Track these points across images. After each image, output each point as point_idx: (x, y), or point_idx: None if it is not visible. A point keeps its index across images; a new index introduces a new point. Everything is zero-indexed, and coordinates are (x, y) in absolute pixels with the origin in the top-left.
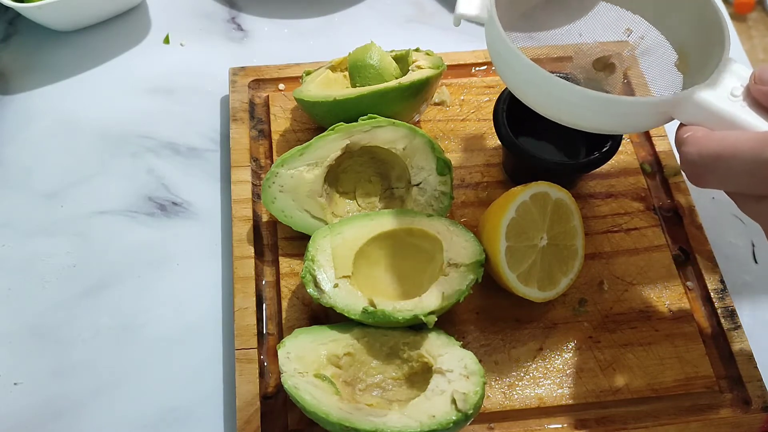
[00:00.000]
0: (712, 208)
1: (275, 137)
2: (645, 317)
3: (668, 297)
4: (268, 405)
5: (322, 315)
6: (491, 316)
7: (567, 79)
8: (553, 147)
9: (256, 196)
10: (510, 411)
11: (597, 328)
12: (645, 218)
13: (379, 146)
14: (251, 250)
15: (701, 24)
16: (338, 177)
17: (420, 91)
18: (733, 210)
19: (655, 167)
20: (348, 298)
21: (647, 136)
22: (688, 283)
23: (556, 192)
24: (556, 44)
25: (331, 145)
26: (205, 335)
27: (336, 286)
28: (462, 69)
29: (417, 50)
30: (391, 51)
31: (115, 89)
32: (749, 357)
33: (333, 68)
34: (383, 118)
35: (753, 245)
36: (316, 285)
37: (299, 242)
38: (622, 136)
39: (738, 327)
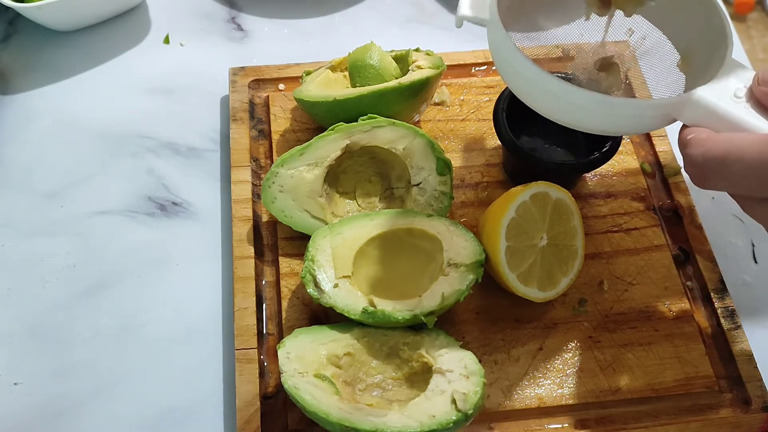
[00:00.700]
0: (712, 208)
1: (275, 137)
2: (645, 317)
3: (668, 297)
4: (268, 405)
5: (322, 315)
6: (491, 316)
7: (569, 79)
8: (553, 147)
9: (256, 196)
10: (510, 411)
11: (597, 328)
12: (645, 218)
13: (379, 146)
14: (251, 250)
15: (704, 25)
16: (338, 177)
17: (420, 91)
18: (733, 210)
19: (655, 167)
20: (348, 298)
21: (647, 136)
22: (688, 283)
23: (556, 192)
24: (557, 44)
25: (331, 145)
26: (205, 335)
27: (336, 286)
28: (462, 69)
29: (417, 50)
30: (391, 51)
31: (115, 89)
32: (749, 357)
33: (333, 68)
34: (383, 118)
35: (753, 245)
36: (316, 285)
37: (299, 242)
38: (622, 136)
39: (738, 327)
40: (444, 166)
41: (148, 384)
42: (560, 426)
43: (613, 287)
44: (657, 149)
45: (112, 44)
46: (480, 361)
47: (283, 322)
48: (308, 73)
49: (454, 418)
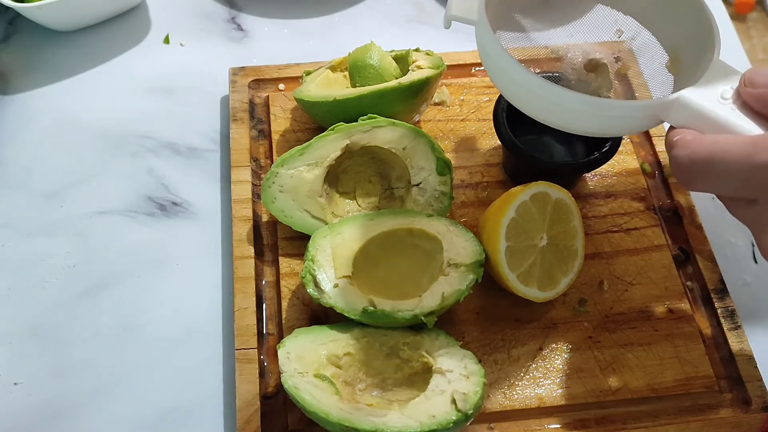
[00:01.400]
0: (712, 208)
1: (275, 137)
2: (645, 317)
3: (668, 297)
4: (268, 405)
5: (322, 315)
6: (491, 316)
7: (558, 80)
8: (553, 147)
9: (256, 196)
10: (510, 411)
11: (597, 328)
12: (645, 218)
13: (379, 146)
14: (251, 250)
15: (692, 26)
16: (338, 177)
17: (420, 91)
18: None
19: (655, 167)
20: (348, 298)
21: (647, 135)
22: (688, 283)
23: (556, 192)
24: (547, 45)
25: (331, 145)
26: (205, 335)
27: (336, 286)
28: (462, 69)
29: (417, 50)
30: (391, 51)
31: (115, 89)
32: (749, 357)
33: (333, 68)
34: (383, 118)
35: (753, 245)
36: (316, 285)
37: (299, 242)
38: (621, 136)
39: (738, 327)
40: (444, 166)
41: (148, 384)
42: (560, 426)
43: (613, 287)
44: (657, 149)
45: (112, 44)
46: (480, 361)
47: (283, 322)
48: (308, 73)
49: (454, 418)
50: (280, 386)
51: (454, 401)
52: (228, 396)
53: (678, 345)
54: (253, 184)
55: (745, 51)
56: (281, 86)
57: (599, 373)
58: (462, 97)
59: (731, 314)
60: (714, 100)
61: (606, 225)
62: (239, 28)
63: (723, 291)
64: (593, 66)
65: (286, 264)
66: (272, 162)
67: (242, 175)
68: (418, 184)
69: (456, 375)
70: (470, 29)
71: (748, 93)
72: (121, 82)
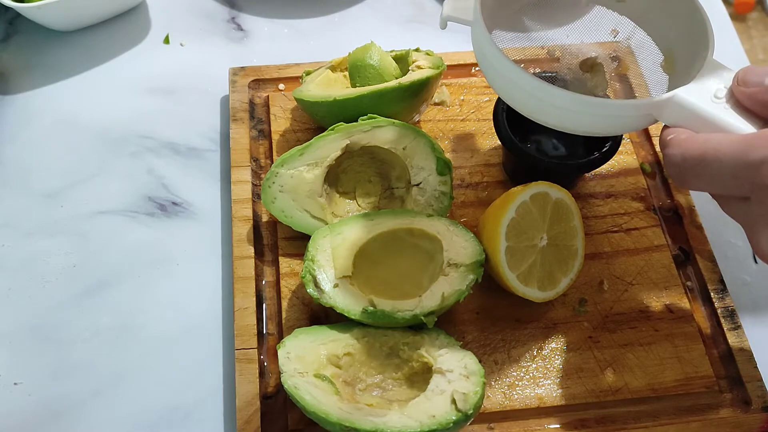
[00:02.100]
0: (712, 208)
1: (275, 137)
2: (645, 317)
3: (668, 297)
4: (268, 405)
5: (322, 315)
6: (491, 316)
7: (553, 80)
8: (553, 147)
9: (256, 196)
10: (510, 411)
11: (597, 328)
12: (645, 218)
13: (379, 146)
14: (251, 250)
15: (687, 26)
16: (338, 177)
17: (420, 91)
18: None
19: (655, 167)
20: (348, 298)
21: (647, 135)
22: (688, 283)
23: (556, 192)
24: (542, 45)
25: (331, 145)
26: (205, 335)
27: (336, 286)
28: (462, 69)
29: (417, 50)
30: (391, 51)
31: (115, 89)
32: (749, 357)
33: (333, 68)
34: (383, 118)
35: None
36: (316, 285)
37: (299, 242)
38: (621, 136)
39: (738, 327)
40: (444, 166)
41: (147, 384)
42: (560, 426)
43: (613, 287)
44: (657, 149)
45: (112, 44)
46: (480, 361)
47: (283, 322)
48: (308, 73)
49: (454, 418)
50: (280, 386)
51: (454, 401)
52: (228, 396)
53: (678, 345)
54: (253, 184)
55: (745, 51)
56: (281, 86)
57: (599, 373)
58: (462, 97)
59: (731, 314)
60: (707, 99)
61: (606, 225)
62: (239, 28)
63: (723, 291)
64: (589, 66)
65: (286, 264)
66: (272, 162)
67: (242, 175)
68: (418, 184)
69: (456, 375)
70: (470, 30)
71: (741, 92)
72: (121, 82)
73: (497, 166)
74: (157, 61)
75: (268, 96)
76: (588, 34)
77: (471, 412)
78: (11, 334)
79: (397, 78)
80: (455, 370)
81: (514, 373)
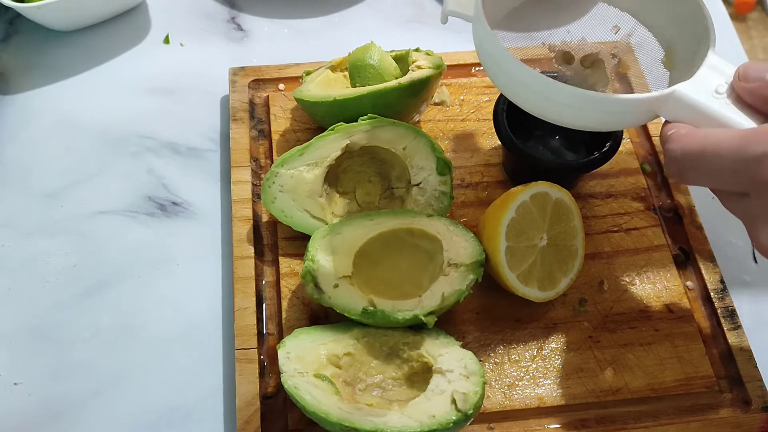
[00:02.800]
0: (712, 208)
1: (275, 137)
2: (645, 317)
3: (668, 297)
4: (268, 405)
5: (322, 315)
6: (491, 316)
7: (554, 76)
8: (553, 147)
9: (256, 196)
10: (510, 411)
11: (597, 328)
12: (645, 218)
13: (379, 146)
14: (251, 250)
15: (688, 21)
16: (338, 177)
17: (420, 91)
18: None
19: (655, 167)
20: (348, 298)
21: (647, 135)
22: (688, 283)
23: (556, 192)
24: (544, 41)
25: (331, 145)
26: (205, 335)
27: (336, 286)
28: (462, 69)
29: (417, 50)
30: (391, 51)
31: (115, 89)
32: (749, 357)
33: (333, 68)
34: (383, 118)
35: (753, 245)
36: (316, 285)
37: (299, 242)
38: (621, 135)
39: (738, 327)
40: (444, 166)
41: (147, 384)
42: (560, 426)
43: (613, 287)
44: (657, 149)
45: (112, 44)
46: (480, 361)
47: (283, 322)
48: (308, 73)
49: (454, 418)
50: (280, 386)
51: (454, 401)
52: (228, 396)
53: (678, 345)
54: (253, 184)
55: (745, 51)
56: (281, 86)
57: (599, 373)
58: (462, 97)
59: (731, 314)
60: (708, 94)
61: (606, 225)
62: (239, 28)
63: (723, 291)
64: (590, 61)
65: (286, 264)
66: (272, 162)
67: (242, 175)
68: (418, 184)
69: (456, 375)
70: (470, 29)
71: (741, 87)
72: (121, 82)
73: (497, 166)
74: (157, 61)
75: (268, 96)
76: (589, 30)
77: (471, 412)
78: (11, 334)
79: (397, 78)
80: (455, 370)
81: (514, 373)
